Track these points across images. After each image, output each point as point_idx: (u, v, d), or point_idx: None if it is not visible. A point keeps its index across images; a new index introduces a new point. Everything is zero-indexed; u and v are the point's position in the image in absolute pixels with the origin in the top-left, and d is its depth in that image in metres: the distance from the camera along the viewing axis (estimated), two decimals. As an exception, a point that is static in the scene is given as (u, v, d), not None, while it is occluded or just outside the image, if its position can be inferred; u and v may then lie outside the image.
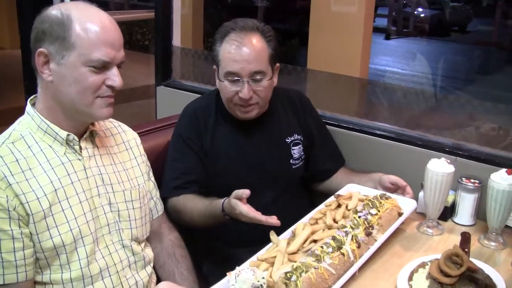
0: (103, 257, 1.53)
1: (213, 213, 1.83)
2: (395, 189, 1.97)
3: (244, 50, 1.88)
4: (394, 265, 1.65)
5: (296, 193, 2.14)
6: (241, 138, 2.05)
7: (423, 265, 1.57)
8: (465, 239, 1.67)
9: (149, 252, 1.71)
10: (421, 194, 1.95)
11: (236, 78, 1.90)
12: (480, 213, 1.93)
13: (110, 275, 1.54)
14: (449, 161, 1.83)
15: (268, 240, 1.66)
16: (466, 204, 1.93)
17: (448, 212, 1.95)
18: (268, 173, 2.05)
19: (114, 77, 1.46)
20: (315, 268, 1.44)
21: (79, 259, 1.48)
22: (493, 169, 1.81)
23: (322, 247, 1.53)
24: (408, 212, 1.84)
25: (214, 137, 2.04)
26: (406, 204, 1.87)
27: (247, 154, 2.04)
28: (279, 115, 2.11)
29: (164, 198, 1.91)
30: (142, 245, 1.68)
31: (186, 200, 1.97)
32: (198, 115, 2.06)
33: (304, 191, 2.22)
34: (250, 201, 1.74)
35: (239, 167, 2.03)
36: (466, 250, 1.59)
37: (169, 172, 2.03)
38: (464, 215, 1.94)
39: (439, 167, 1.80)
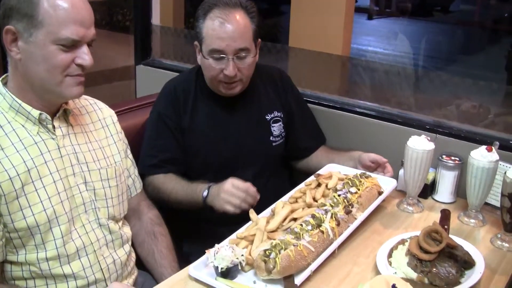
0: (79, 236, 1.51)
1: (191, 194, 1.86)
2: (375, 167, 1.96)
3: (229, 27, 1.85)
4: (374, 242, 1.65)
5: (276, 171, 2.13)
6: (221, 115, 2.03)
7: (402, 242, 1.57)
8: (445, 216, 1.66)
9: (127, 231, 1.69)
10: (401, 171, 1.94)
11: (221, 55, 1.87)
12: (460, 191, 1.93)
13: (87, 254, 1.52)
14: (429, 138, 1.82)
15: (248, 219, 1.65)
16: (446, 182, 1.93)
17: (428, 190, 1.95)
18: (248, 150, 2.03)
19: (84, 56, 1.42)
20: (294, 246, 1.43)
21: (55, 239, 1.46)
22: (473, 146, 1.80)
23: (301, 225, 1.52)
24: (388, 191, 1.84)
25: (194, 115, 2.01)
26: (386, 183, 1.87)
27: (227, 131, 2.02)
28: (260, 92, 2.08)
29: (142, 175, 1.89)
30: (120, 223, 1.66)
31: (166, 179, 1.96)
32: (178, 92, 2.03)
33: (285, 170, 2.21)
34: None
35: (218, 144, 2.01)
36: (446, 227, 1.59)
37: (145, 149, 2.02)
38: (444, 192, 1.94)
39: (419, 144, 1.79)
